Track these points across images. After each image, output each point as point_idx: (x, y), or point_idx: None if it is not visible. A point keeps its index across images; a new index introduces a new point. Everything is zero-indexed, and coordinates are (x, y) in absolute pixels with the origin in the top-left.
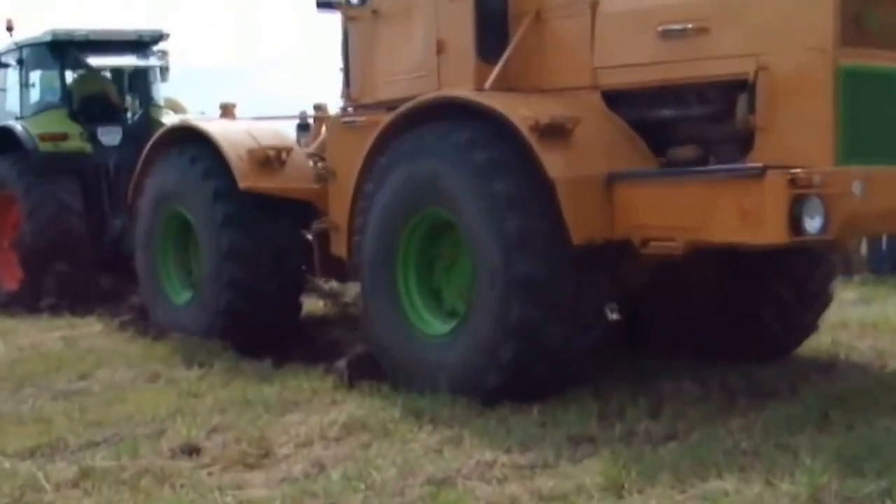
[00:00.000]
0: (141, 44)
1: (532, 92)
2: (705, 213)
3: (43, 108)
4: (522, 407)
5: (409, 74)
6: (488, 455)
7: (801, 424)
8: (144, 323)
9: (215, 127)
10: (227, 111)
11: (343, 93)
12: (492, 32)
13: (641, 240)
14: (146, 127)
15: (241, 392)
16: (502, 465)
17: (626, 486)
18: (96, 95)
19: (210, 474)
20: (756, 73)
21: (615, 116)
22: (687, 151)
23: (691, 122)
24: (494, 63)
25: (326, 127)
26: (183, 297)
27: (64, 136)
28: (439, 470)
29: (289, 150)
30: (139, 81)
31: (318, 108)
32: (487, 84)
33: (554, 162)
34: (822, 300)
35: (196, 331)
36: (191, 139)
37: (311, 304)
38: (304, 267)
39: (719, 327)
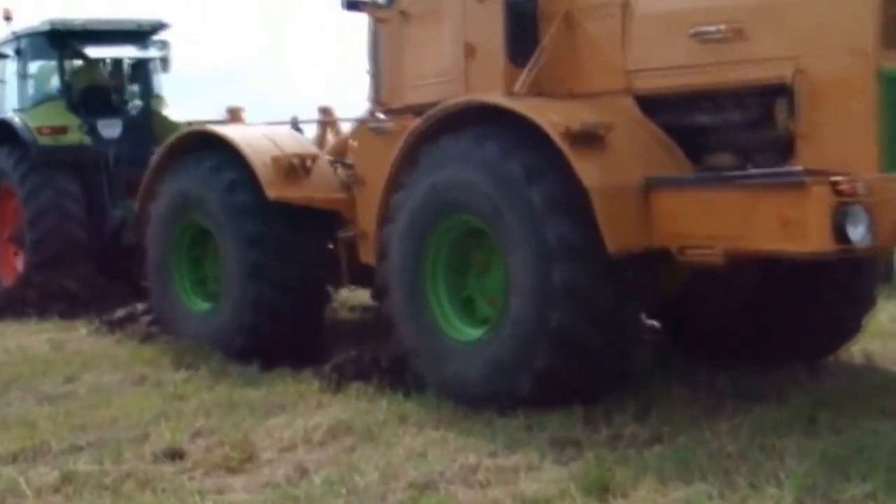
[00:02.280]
0: (140, 34)
1: (563, 96)
2: (745, 221)
3: (41, 99)
4: (507, 410)
5: (437, 78)
6: (472, 458)
7: (788, 428)
8: (132, 326)
9: (236, 133)
10: (235, 115)
11: (370, 97)
12: (521, 35)
13: (679, 248)
14: (147, 119)
15: (226, 395)
16: (486, 469)
17: (611, 489)
18: (96, 87)
19: (192, 479)
20: (794, 77)
21: (649, 122)
22: (724, 159)
23: (728, 128)
24: (524, 67)
25: (353, 133)
26: (201, 306)
27: (63, 130)
28: (422, 474)
29: (314, 158)
30: (139, 72)
31: (323, 111)
32: (517, 88)
33: (588, 170)
34: (867, 302)
35: (216, 342)
36: (209, 145)
37: None
38: (330, 277)
39: (762, 331)
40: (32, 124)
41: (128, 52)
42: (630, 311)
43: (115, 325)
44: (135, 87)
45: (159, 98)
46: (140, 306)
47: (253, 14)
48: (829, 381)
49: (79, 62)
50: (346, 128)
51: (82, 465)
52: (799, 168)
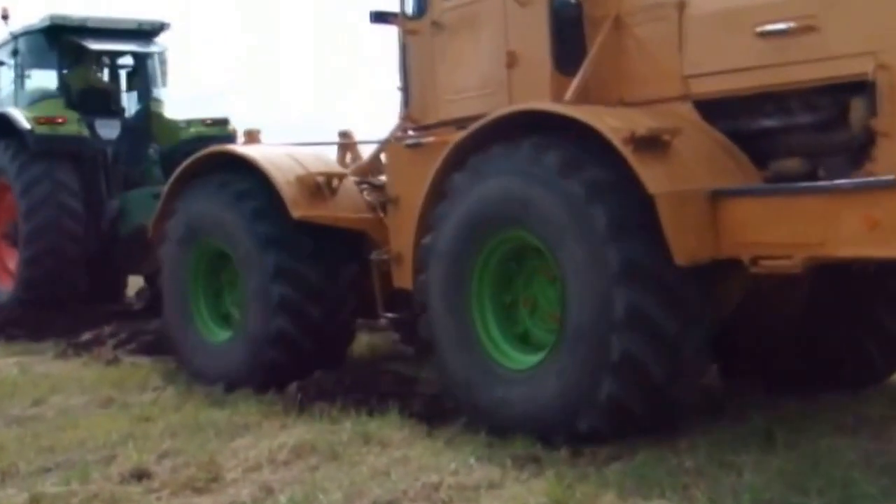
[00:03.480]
0: (141, 33)
1: (613, 105)
2: (828, 227)
3: (39, 98)
4: (469, 428)
5: (476, 91)
6: (434, 477)
7: (745, 444)
8: (98, 348)
9: (258, 153)
10: (251, 137)
11: (401, 113)
12: (568, 41)
13: (752, 257)
14: (146, 121)
15: (192, 416)
16: (448, 487)
17: None
18: (94, 88)
19: (159, 499)
20: (875, 72)
21: (711, 128)
22: (792, 164)
23: (795, 130)
24: (571, 74)
25: (386, 151)
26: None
27: (61, 120)
28: (386, 492)
29: (341, 177)
30: (138, 74)
31: (343, 134)
32: (568, 97)
33: (653, 176)
34: None
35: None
36: (228, 166)
37: None
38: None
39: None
40: (30, 115)
41: (128, 47)
42: (695, 339)
43: (81, 348)
44: (133, 90)
45: (158, 101)
46: (107, 329)
47: (227, 39)
48: (785, 397)
49: (78, 62)
50: (365, 150)
51: (50, 486)
52: (878, 170)
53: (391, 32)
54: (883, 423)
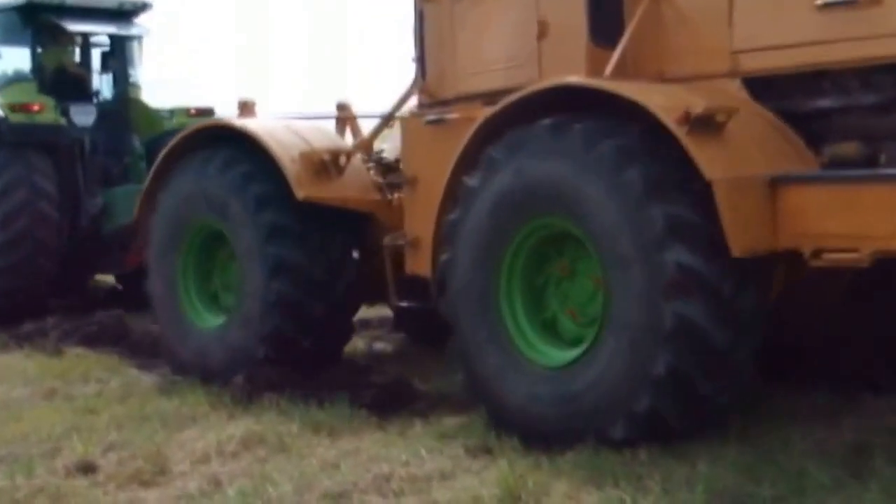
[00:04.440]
0: (122, 13)
1: (652, 80)
2: None
3: (12, 80)
4: (421, 419)
5: (501, 63)
6: (385, 468)
7: (699, 433)
8: (41, 340)
9: (258, 126)
10: (246, 109)
11: (416, 87)
12: (605, 11)
13: (814, 250)
14: (123, 107)
15: (137, 408)
16: (399, 478)
17: (523, 496)
18: (67, 70)
19: (106, 492)
20: None
21: (762, 108)
22: (849, 148)
23: (854, 112)
24: (608, 47)
25: (401, 127)
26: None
27: (37, 108)
28: (336, 484)
29: (348, 154)
30: (116, 57)
31: (341, 107)
32: (608, 71)
33: (711, 160)
34: None
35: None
36: (221, 141)
37: None
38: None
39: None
40: (3, 101)
41: (109, 29)
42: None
43: (23, 340)
44: (109, 72)
45: (136, 86)
46: (50, 320)
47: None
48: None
49: (52, 43)
50: (364, 125)
51: None
52: None
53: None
54: (837, 413)
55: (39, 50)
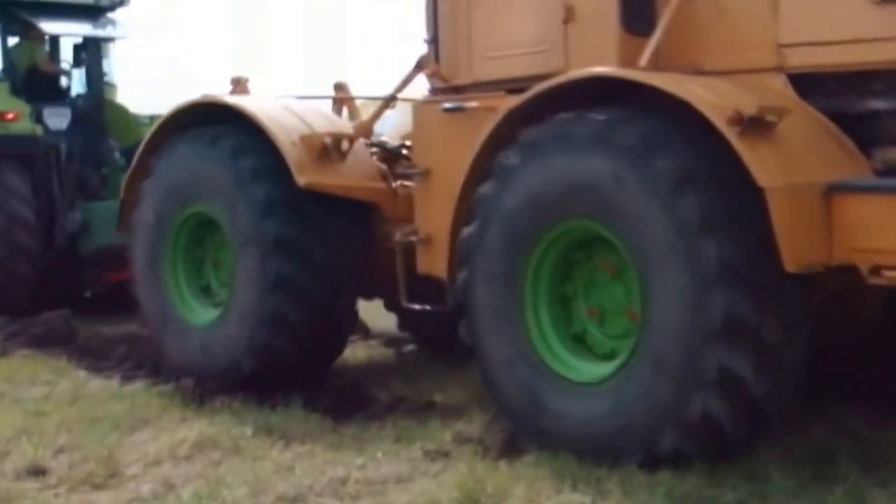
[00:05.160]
0: (98, 9)
1: (686, 73)
2: None
3: None
4: (376, 422)
5: (523, 48)
6: (341, 471)
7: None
8: None
9: (254, 105)
10: (239, 86)
11: (428, 69)
12: None
13: (872, 267)
14: (98, 109)
15: (87, 410)
16: (356, 482)
17: (482, 500)
18: (41, 68)
19: (57, 495)
20: None
21: (810, 108)
22: None
23: None
24: (640, 34)
25: (414, 114)
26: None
27: (11, 116)
28: (291, 487)
29: (350, 139)
30: (90, 55)
31: (338, 87)
32: (644, 61)
33: (764, 165)
34: None
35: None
36: (214, 120)
37: None
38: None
39: (873, 366)
40: None
41: (86, 31)
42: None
43: None
44: (82, 68)
45: (111, 86)
46: None
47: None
48: None
49: (24, 40)
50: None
51: None
52: None
53: None
54: (801, 418)
55: (9, 48)
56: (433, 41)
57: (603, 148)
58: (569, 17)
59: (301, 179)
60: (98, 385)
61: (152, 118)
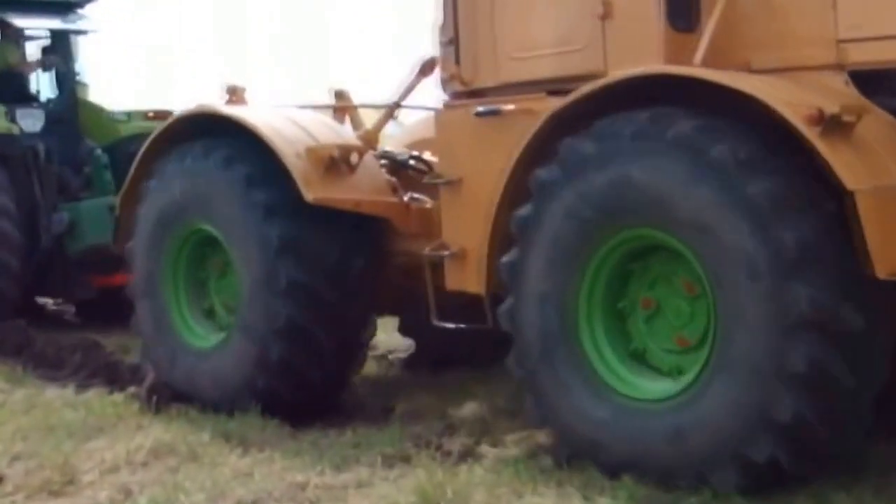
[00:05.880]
0: (68, 5)
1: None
2: None
3: None
4: (335, 429)
5: (554, 48)
6: (300, 477)
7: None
8: None
9: (255, 116)
10: (236, 95)
11: (448, 74)
12: None
13: None
14: (73, 110)
15: (43, 418)
16: (315, 487)
17: None
18: (13, 70)
19: (13, 503)
20: None
21: (876, 107)
22: None
23: None
24: (687, 31)
25: (437, 121)
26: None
27: None
28: (250, 493)
29: (359, 151)
30: (59, 52)
31: (339, 94)
32: (697, 58)
33: (848, 167)
34: None
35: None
36: (212, 133)
37: None
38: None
39: None
40: None
41: (58, 25)
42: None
43: None
44: (52, 70)
45: (83, 85)
46: None
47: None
48: None
49: None
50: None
51: None
52: None
53: None
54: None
55: None
56: (452, 42)
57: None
58: (607, 13)
59: (309, 195)
60: (53, 393)
61: (129, 114)
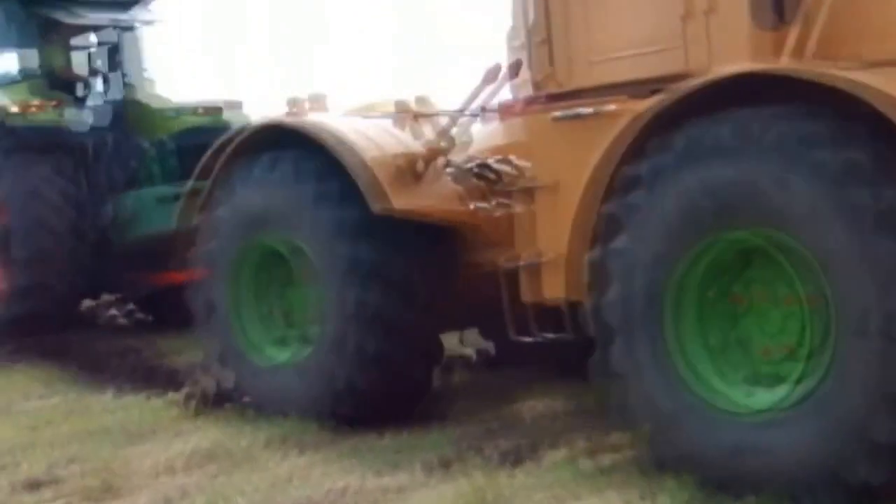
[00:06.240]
0: (124, 3)
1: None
2: None
3: (2, 82)
4: (377, 433)
5: (639, 49)
6: (340, 482)
7: None
8: None
9: (321, 126)
10: (317, 104)
11: (540, 76)
12: None
13: None
14: (123, 108)
15: (82, 424)
16: (355, 492)
17: None
18: (65, 69)
19: None
20: None
21: None
22: None
23: None
24: (774, 28)
25: (526, 126)
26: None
27: (35, 107)
28: (290, 498)
29: (428, 158)
30: (113, 52)
31: (399, 104)
32: (788, 53)
33: None
34: None
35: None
36: (280, 143)
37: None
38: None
39: None
40: None
41: (110, 18)
42: None
43: None
44: (105, 71)
45: (134, 85)
46: None
47: None
48: None
49: (45, 38)
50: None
51: None
52: None
53: None
54: None
55: (29, 47)
56: (545, 43)
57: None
58: (688, 12)
59: (377, 205)
60: (92, 398)
61: (178, 110)
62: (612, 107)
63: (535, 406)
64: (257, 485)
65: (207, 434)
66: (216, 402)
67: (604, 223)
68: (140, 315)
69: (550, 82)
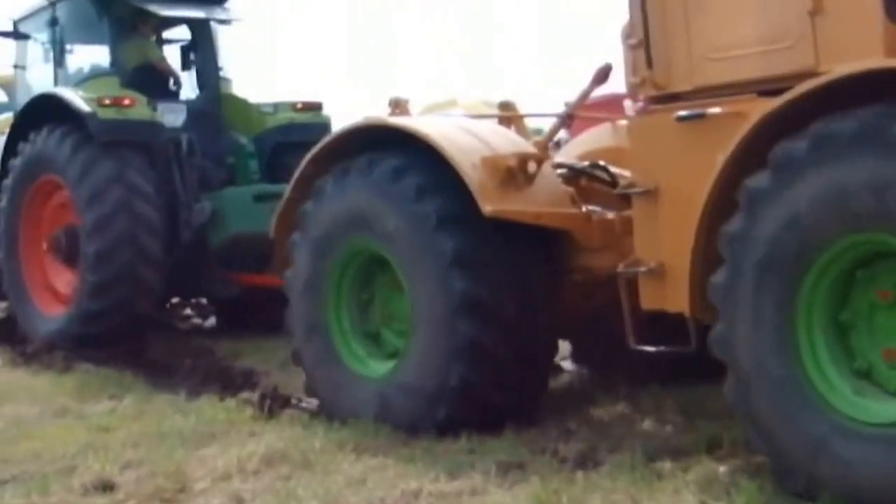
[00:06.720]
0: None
1: None
2: None
3: (89, 76)
4: (449, 435)
5: (757, 47)
6: (413, 484)
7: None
8: (48, 357)
9: (427, 126)
10: (400, 107)
11: (641, 78)
12: None
13: None
14: (216, 105)
15: (154, 425)
16: (429, 494)
17: None
18: (153, 65)
19: None
20: None
21: None
22: None
23: None
24: None
25: (631, 127)
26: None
27: (128, 102)
28: (363, 500)
29: (537, 160)
30: (203, 46)
31: (505, 106)
32: None
33: None
34: None
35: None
36: (379, 144)
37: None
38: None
39: None
40: (88, 96)
41: (197, 13)
42: None
43: (30, 357)
44: (195, 66)
45: (227, 80)
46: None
47: None
48: None
49: (133, 33)
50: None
51: (9, 498)
52: None
53: None
54: None
55: (118, 42)
56: (642, 44)
57: None
58: (817, 8)
59: (487, 207)
60: (162, 400)
61: (276, 106)
62: (740, 106)
63: (614, 408)
64: (329, 486)
65: (281, 435)
66: (289, 403)
67: (723, 239)
68: (217, 317)
69: (648, 85)
